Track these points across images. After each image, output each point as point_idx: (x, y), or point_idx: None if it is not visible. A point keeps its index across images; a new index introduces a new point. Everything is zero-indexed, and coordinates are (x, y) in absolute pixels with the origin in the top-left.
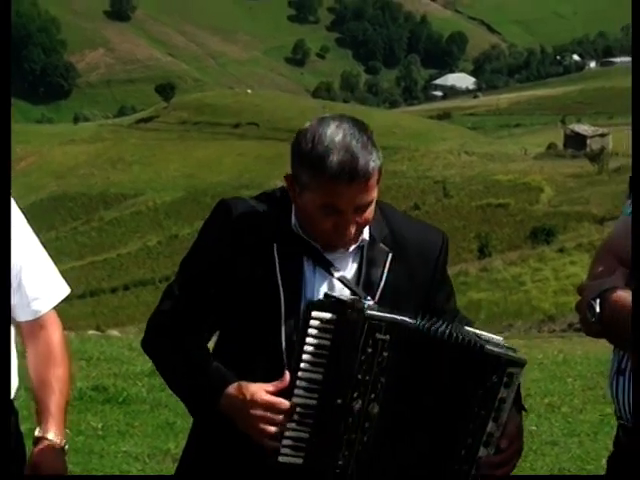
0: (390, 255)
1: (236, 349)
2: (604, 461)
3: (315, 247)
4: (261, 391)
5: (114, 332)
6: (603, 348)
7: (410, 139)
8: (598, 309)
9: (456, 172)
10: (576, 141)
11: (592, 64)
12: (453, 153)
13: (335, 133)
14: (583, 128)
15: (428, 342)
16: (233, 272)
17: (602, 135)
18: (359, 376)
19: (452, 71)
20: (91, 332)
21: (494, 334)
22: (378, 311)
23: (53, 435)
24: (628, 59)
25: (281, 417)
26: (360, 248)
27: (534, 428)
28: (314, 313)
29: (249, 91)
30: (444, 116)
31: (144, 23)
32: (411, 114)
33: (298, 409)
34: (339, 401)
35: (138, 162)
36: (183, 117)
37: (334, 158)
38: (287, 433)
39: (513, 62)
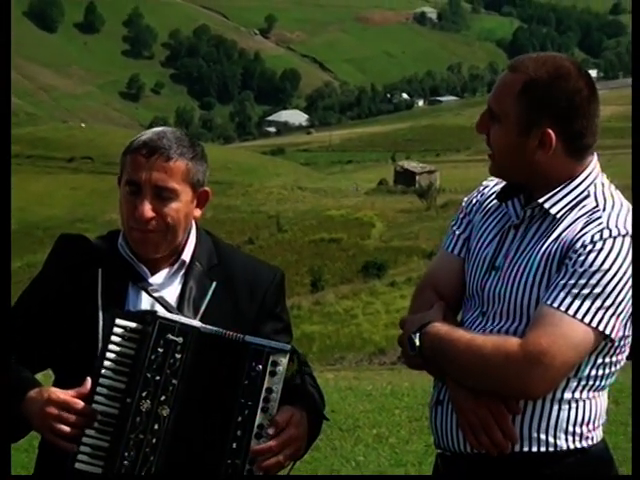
0: (214, 284)
1: (63, 375)
2: None
3: (138, 268)
4: (58, 391)
5: None
6: (428, 380)
7: (244, 174)
8: (418, 342)
9: (289, 207)
10: (406, 177)
11: (420, 102)
12: (287, 188)
13: (155, 129)
14: (412, 165)
15: (215, 343)
16: (62, 303)
17: (430, 172)
18: (148, 375)
19: (285, 108)
20: None
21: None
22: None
23: None
24: (454, 98)
25: (75, 417)
26: (185, 275)
27: (362, 459)
28: (118, 321)
29: (83, 125)
30: (278, 152)
31: None
32: (245, 150)
33: (99, 417)
34: (128, 400)
35: None
36: (16, 151)
37: (142, 138)
38: (86, 440)
39: (345, 99)
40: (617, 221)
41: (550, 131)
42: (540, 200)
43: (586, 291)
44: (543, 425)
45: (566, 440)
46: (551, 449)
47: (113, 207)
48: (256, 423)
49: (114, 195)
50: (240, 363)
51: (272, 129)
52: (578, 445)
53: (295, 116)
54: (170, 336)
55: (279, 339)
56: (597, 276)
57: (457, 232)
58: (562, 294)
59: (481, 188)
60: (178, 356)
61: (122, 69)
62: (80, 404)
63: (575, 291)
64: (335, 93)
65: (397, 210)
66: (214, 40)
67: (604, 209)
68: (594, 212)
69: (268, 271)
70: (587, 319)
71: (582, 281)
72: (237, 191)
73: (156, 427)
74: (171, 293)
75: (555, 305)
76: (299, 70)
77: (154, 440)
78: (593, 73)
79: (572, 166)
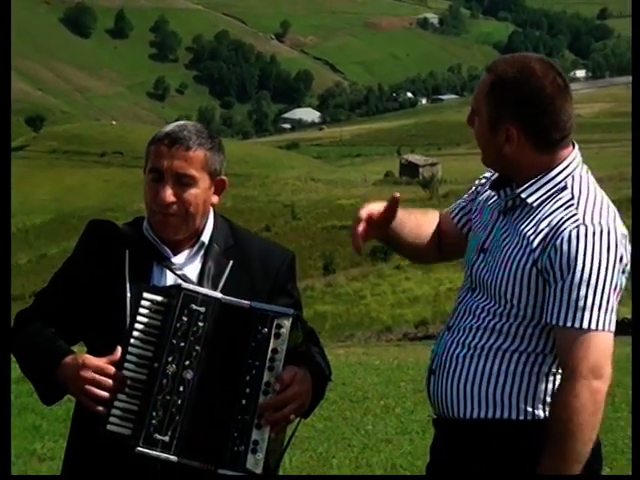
0: (231, 262)
1: (94, 347)
2: None
3: (161, 249)
4: (92, 357)
5: None
6: None
7: (261, 167)
8: None
9: (303, 197)
10: (410, 170)
11: (423, 101)
12: (300, 180)
13: (177, 122)
14: (416, 158)
15: (233, 312)
16: (92, 280)
17: (432, 164)
18: (174, 341)
19: (299, 106)
20: None
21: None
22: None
23: None
24: (454, 96)
25: (109, 382)
26: (204, 255)
27: (370, 427)
28: (145, 294)
29: (114, 123)
30: (292, 146)
31: (15, 60)
32: (262, 145)
33: (128, 382)
34: (155, 365)
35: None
36: (53, 146)
37: (165, 130)
38: (117, 404)
39: (354, 98)
40: (593, 217)
41: (512, 128)
42: (517, 191)
43: (589, 301)
44: (522, 395)
45: (544, 410)
46: (529, 417)
47: (141, 197)
48: (263, 381)
49: (142, 187)
50: (248, 327)
51: (287, 126)
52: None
53: (308, 114)
54: (194, 306)
55: None
56: (592, 283)
57: (461, 203)
58: (579, 313)
59: (488, 174)
60: (201, 324)
61: (149, 71)
62: (112, 369)
63: (581, 304)
64: (345, 92)
65: (402, 200)
66: (233, 44)
67: (578, 204)
68: (569, 207)
69: (280, 252)
70: (606, 327)
71: (582, 292)
72: (255, 183)
73: (181, 389)
74: (192, 271)
75: (577, 325)
76: (312, 71)
77: (179, 401)
78: (582, 73)
79: (543, 159)
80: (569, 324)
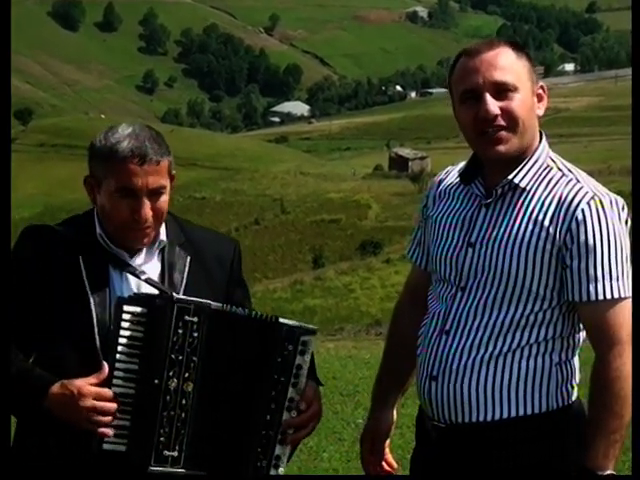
0: (189, 258)
1: (55, 360)
2: None
3: (117, 253)
4: (86, 384)
5: None
6: None
7: (250, 161)
8: None
9: (292, 191)
10: (399, 163)
11: (412, 94)
12: (290, 173)
13: (125, 128)
14: (405, 152)
15: (232, 321)
16: (45, 290)
17: (422, 158)
18: (172, 356)
19: (288, 99)
20: None
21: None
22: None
23: None
24: (444, 90)
25: (111, 406)
26: (161, 252)
27: (361, 421)
28: (125, 307)
29: (103, 116)
30: (281, 140)
31: None
32: (251, 138)
33: (118, 398)
34: (156, 381)
35: None
36: (41, 140)
37: (125, 144)
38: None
39: (343, 92)
40: (598, 189)
41: (541, 85)
42: (509, 177)
43: (615, 272)
44: (537, 385)
45: (570, 394)
46: (561, 405)
47: None
48: (287, 397)
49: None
50: (273, 342)
51: (276, 119)
52: (565, 402)
53: (297, 107)
54: (187, 317)
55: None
56: (618, 253)
57: (415, 242)
58: (613, 283)
59: (437, 179)
60: (195, 335)
61: (138, 65)
62: (109, 393)
63: (614, 275)
64: (334, 86)
65: (391, 193)
66: (222, 38)
67: (577, 179)
68: (570, 181)
69: (229, 242)
70: (629, 292)
71: (612, 264)
72: (244, 176)
73: (184, 402)
74: (152, 272)
75: (614, 296)
76: (301, 65)
77: (183, 414)
78: (570, 67)
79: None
80: (600, 297)
